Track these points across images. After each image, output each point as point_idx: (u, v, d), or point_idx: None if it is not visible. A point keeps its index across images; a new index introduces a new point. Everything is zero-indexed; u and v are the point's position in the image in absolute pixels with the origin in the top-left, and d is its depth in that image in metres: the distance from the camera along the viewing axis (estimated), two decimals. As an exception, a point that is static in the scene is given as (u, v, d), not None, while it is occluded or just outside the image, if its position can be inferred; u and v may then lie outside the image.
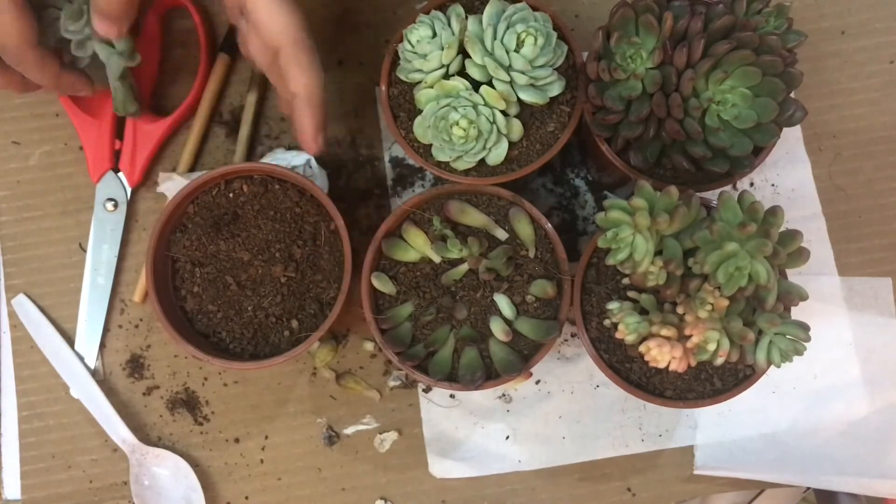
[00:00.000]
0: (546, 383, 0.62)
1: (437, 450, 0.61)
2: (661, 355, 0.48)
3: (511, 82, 0.53)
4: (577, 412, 0.62)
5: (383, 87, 0.56)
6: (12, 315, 0.62)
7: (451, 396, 0.62)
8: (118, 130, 0.63)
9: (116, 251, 0.62)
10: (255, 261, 0.56)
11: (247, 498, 0.61)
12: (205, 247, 0.56)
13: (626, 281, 0.52)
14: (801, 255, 0.47)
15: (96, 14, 0.52)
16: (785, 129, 0.52)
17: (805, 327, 0.48)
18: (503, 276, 0.54)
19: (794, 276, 0.56)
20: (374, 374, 0.62)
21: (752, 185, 0.64)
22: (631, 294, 0.51)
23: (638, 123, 0.51)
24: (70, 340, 0.62)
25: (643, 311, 0.50)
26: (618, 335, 0.49)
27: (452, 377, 0.53)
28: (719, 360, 0.47)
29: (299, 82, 0.51)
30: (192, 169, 0.64)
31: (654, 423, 0.61)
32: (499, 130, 0.54)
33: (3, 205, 0.63)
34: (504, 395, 0.62)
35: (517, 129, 0.54)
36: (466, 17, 0.54)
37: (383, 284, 0.54)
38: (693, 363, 0.48)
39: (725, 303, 0.46)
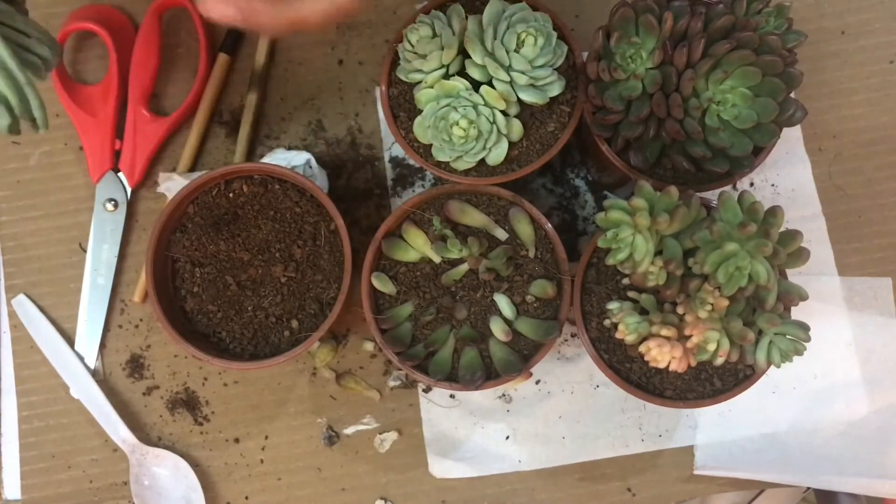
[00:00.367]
0: (546, 383, 0.62)
1: (437, 450, 0.61)
2: (661, 355, 0.48)
3: (511, 82, 0.53)
4: (577, 412, 0.62)
5: (383, 87, 0.56)
6: (12, 315, 0.62)
7: (451, 396, 0.62)
8: (118, 130, 0.63)
9: (116, 251, 0.62)
10: (255, 261, 0.56)
11: (247, 498, 0.61)
12: (205, 247, 0.56)
13: (626, 281, 0.52)
14: (801, 255, 0.47)
15: None
16: (785, 129, 0.52)
17: (805, 327, 0.48)
18: (503, 276, 0.54)
19: (794, 276, 0.56)
20: (374, 374, 0.62)
21: (752, 185, 0.63)
22: (631, 294, 0.51)
23: (638, 123, 0.51)
24: (70, 340, 0.62)
25: (643, 311, 0.50)
26: (618, 335, 0.49)
27: (452, 377, 0.53)
28: (719, 360, 0.47)
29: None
30: (192, 169, 0.64)
31: (654, 423, 0.61)
32: (499, 130, 0.54)
33: (3, 205, 0.63)
34: (504, 395, 0.62)
35: (517, 128, 0.54)
36: (466, 17, 0.54)
37: (383, 284, 0.54)
38: (693, 363, 0.48)
39: (725, 303, 0.46)
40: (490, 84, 0.53)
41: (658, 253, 0.48)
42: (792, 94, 0.49)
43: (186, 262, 0.57)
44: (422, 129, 0.55)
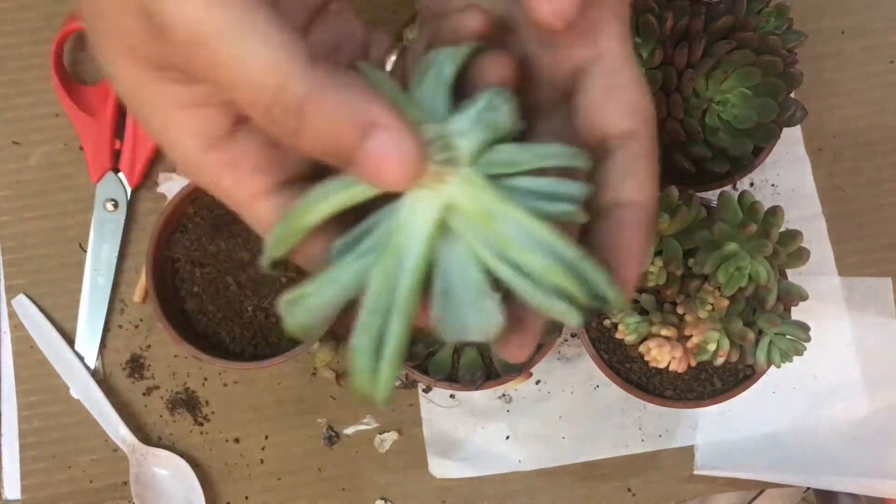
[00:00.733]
0: (546, 383, 0.62)
1: (437, 450, 0.61)
2: (661, 355, 0.48)
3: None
4: (577, 412, 0.61)
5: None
6: (12, 315, 0.62)
7: (451, 396, 0.62)
8: (118, 130, 0.63)
9: (116, 251, 0.62)
10: (255, 261, 0.56)
11: (247, 498, 0.61)
12: (205, 247, 0.56)
13: (626, 281, 0.52)
14: (801, 256, 0.47)
15: None
16: (785, 130, 0.52)
17: (805, 327, 0.48)
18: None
19: (794, 276, 0.56)
20: (374, 374, 0.62)
21: (752, 185, 0.63)
22: (631, 294, 0.51)
23: (638, 123, 0.51)
24: (70, 340, 0.62)
25: (643, 312, 0.50)
26: (618, 335, 0.49)
27: (452, 377, 0.53)
28: (719, 361, 0.47)
29: (646, 189, 0.30)
30: (192, 169, 0.63)
31: (654, 424, 0.61)
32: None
33: (3, 205, 0.63)
34: (504, 395, 0.62)
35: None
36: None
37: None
38: (693, 363, 0.48)
39: (725, 303, 0.46)
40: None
41: (658, 253, 0.48)
42: (792, 94, 0.49)
43: (186, 262, 0.57)
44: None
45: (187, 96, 0.28)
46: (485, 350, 0.53)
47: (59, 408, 0.62)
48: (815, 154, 0.64)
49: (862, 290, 0.62)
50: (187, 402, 0.62)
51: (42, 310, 0.62)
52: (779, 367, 0.48)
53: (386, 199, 0.28)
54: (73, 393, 0.61)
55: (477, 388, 0.52)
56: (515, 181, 0.28)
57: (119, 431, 0.60)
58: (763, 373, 0.52)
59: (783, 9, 0.50)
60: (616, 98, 0.30)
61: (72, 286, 0.62)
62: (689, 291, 0.48)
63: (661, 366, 0.48)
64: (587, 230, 0.30)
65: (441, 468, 0.61)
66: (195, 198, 0.57)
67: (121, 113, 0.63)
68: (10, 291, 0.62)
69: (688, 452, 0.61)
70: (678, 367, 0.48)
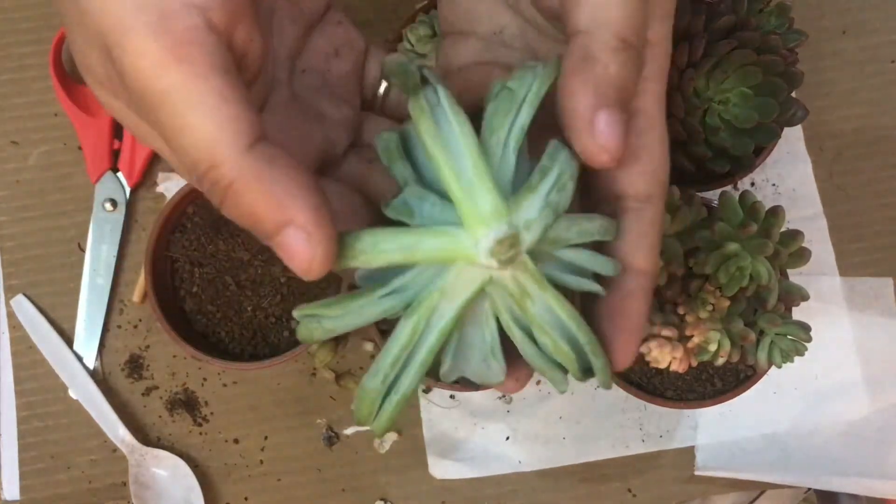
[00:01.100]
0: (546, 384, 0.62)
1: (437, 450, 0.61)
2: (662, 356, 0.47)
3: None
4: (578, 413, 0.61)
5: (383, 86, 0.56)
6: (11, 315, 0.62)
7: (451, 397, 0.62)
8: (117, 130, 0.63)
9: (115, 251, 0.62)
10: (254, 261, 0.56)
11: (246, 499, 0.61)
12: (204, 247, 0.56)
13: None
14: (802, 256, 0.47)
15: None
16: (786, 129, 0.52)
17: (806, 327, 0.48)
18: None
19: (795, 276, 0.56)
20: (373, 374, 0.62)
21: (753, 184, 0.63)
22: (631, 294, 0.51)
23: (638, 123, 0.51)
24: (69, 341, 0.62)
25: (644, 312, 0.50)
26: (618, 335, 0.49)
27: (452, 378, 0.53)
28: (720, 361, 0.47)
29: (653, 257, 0.31)
30: (191, 169, 0.63)
31: (654, 424, 0.61)
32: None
33: (1, 205, 0.63)
34: (504, 395, 0.62)
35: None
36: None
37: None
38: (694, 363, 0.48)
39: (726, 303, 0.46)
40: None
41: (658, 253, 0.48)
42: (793, 94, 0.49)
43: (186, 262, 0.56)
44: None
45: None
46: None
47: (57, 408, 0.61)
48: (816, 154, 0.64)
49: (863, 290, 0.62)
50: (186, 403, 0.62)
51: (41, 310, 0.62)
52: (780, 367, 0.48)
53: None
54: (72, 393, 0.61)
55: (477, 389, 0.52)
56: (557, 252, 0.29)
57: (118, 432, 0.60)
58: (764, 373, 0.52)
59: (784, 8, 0.50)
60: (641, 160, 0.30)
61: (70, 286, 0.62)
62: (690, 291, 0.48)
63: (662, 366, 0.48)
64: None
65: (441, 469, 0.61)
66: (194, 198, 0.57)
67: (120, 112, 0.63)
68: (9, 291, 0.62)
69: (688, 453, 0.61)
70: (679, 367, 0.48)
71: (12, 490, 0.61)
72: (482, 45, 0.33)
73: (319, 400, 0.62)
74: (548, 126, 0.29)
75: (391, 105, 0.36)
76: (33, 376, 0.62)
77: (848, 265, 0.63)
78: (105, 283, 0.62)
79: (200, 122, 0.25)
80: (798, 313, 0.49)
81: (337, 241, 0.26)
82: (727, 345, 0.47)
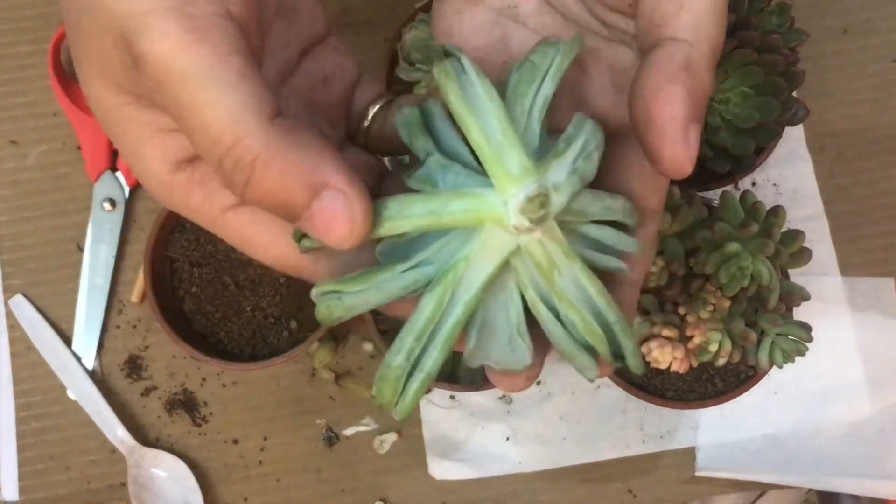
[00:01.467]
0: (547, 384, 0.62)
1: (437, 451, 0.61)
2: (663, 356, 0.47)
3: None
4: (578, 413, 0.61)
5: (383, 86, 0.56)
6: (9, 315, 0.62)
7: (451, 397, 0.62)
8: (116, 130, 0.62)
9: (114, 251, 0.62)
10: (253, 261, 0.56)
11: (246, 499, 0.61)
12: (203, 247, 0.56)
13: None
14: (802, 256, 0.47)
15: None
16: (787, 129, 0.52)
17: (807, 328, 0.48)
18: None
19: (796, 276, 0.56)
20: (373, 374, 0.61)
21: (753, 184, 0.63)
22: (632, 294, 0.51)
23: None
24: (68, 341, 0.61)
25: (645, 312, 0.50)
26: (619, 336, 0.49)
27: (452, 378, 0.53)
28: (721, 361, 0.47)
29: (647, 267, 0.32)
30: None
31: (655, 424, 0.61)
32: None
33: (0, 204, 0.63)
34: (504, 396, 0.62)
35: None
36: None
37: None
38: (695, 364, 0.48)
39: (727, 303, 0.46)
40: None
41: (659, 253, 0.48)
42: (794, 94, 0.49)
43: (185, 261, 0.56)
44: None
45: (159, 122, 0.28)
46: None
47: (56, 409, 0.61)
48: (817, 153, 0.64)
49: (864, 290, 0.62)
50: (186, 403, 0.61)
51: (39, 310, 0.62)
52: (781, 367, 0.48)
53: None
54: (71, 394, 0.61)
55: (477, 389, 0.51)
56: (582, 228, 0.29)
57: (117, 432, 0.60)
58: (765, 373, 0.52)
59: (785, 7, 0.50)
60: (646, 168, 0.30)
61: (69, 286, 0.62)
62: (691, 292, 0.47)
63: (663, 366, 0.48)
64: None
65: (441, 469, 0.61)
66: (193, 197, 0.57)
67: (119, 112, 0.62)
68: (8, 291, 0.62)
69: (689, 453, 0.61)
70: (680, 367, 0.48)
71: (11, 491, 0.61)
72: (492, 17, 0.32)
73: (319, 400, 0.62)
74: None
75: (374, 137, 0.35)
76: (32, 377, 0.62)
77: (849, 265, 0.62)
78: (104, 282, 0.62)
79: (222, 97, 0.24)
80: (799, 313, 0.49)
81: (372, 201, 0.25)
82: (728, 345, 0.47)
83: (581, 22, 0.31)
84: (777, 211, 0.45)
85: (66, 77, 0.63)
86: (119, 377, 0.62)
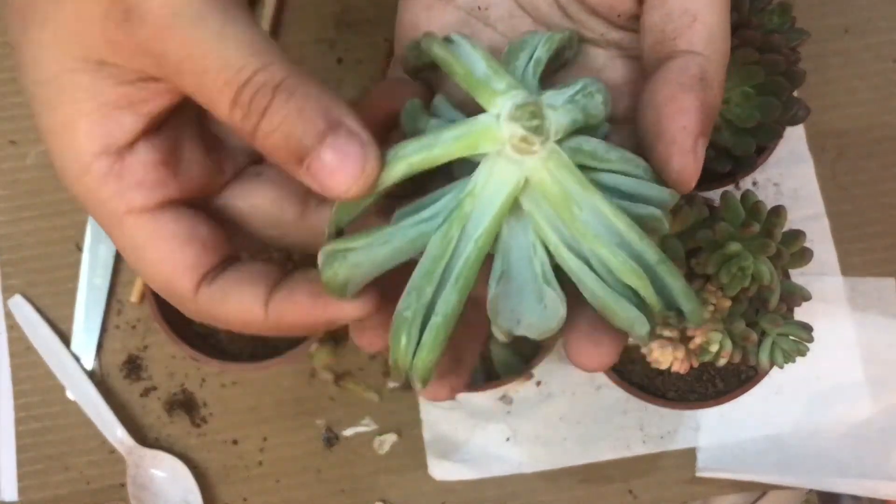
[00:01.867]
0: (547, 385, 0.62)
1: (436, 452, 0.61)
2: (664, 356, 0.47)
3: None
4: (579, 414, 0.61)
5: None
6: (8, 316, 0.62)
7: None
8: (115, 129, 0.62)
9: (114, 251, 0.62)
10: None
11: (245, 500, 0.61)
12: (202, 247, 0.56)
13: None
14: (804, 256, 0.47)
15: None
16: (788, 129, 0.52)
17: (808, 328, 0.48)
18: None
19: (797, 276, 0.56)
20: (373, 375, 0.62)
21: (754, 184, 0.63)
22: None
23: (639, 122, 0.50)
24: (67, 341, 0.61)
25: (645, 312, 0.50)
26: (619, 336, 0.49)
27: (452, 378, 0.53)
28: (722, 362, 0.47)
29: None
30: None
31: (655, 425, 0.61)
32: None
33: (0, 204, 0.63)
34: (504, 396, 0.61)
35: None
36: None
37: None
38: (695, 364, 0.48)
39: (728, 303, 0.46)
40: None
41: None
42: (795, 93, 0.49)
43: (184, 262, 0.56)
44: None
45: (112, 95, 0.27)
46: (485, 351, 0.53)
47: (55, 409, 0.61)
48: (818, 153, 0.63)
49: (865, 290, 0.62)
50: (185, 404, 0.61)
51: (38, 310, 0.62)
52: (781, 367, 0.48)
53: (460, 169, 0.27)
54: (70, 394, 0.61)
55: (477, 390, 0.51)
56: (599, 176, 0.26)
57: (116, 433, 0.60)
58: (766, 374, 0.52)
59: (786, 7, 0.50)
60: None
61: (68, 286, 0.62)
62: (692, 292, 0.47)
63: (664, 367, 0.48)
64: None
65: (441, 470, 0.61)
66: (193, 197, 0.57)
67: (118, 112, 0.62)
68: (7, 292, 0.62)
69: (690, 454, 0.61)
70: (680, 368, 0.48)
71: (10, 491, 0.61)
72: (461, 17, 0.31)
73: (319, 401, 0.61)
74: None
75: None
76: (31, 377, 0.61)
77: (850, 265, 0.62)
78: (103, 283, 0.62)
79: (245, 31, 0.25)
80: (800, 314, 0.49)
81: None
82: (729, 345, 0.46)
83: (552, 28, 0.31)
84: (778, 211, 0.45)
85: (66, 77, 0.63)
86: (118, 377, 0.62)
